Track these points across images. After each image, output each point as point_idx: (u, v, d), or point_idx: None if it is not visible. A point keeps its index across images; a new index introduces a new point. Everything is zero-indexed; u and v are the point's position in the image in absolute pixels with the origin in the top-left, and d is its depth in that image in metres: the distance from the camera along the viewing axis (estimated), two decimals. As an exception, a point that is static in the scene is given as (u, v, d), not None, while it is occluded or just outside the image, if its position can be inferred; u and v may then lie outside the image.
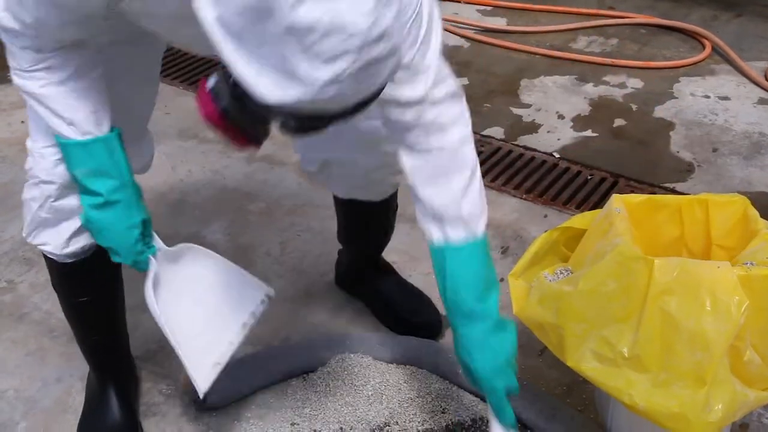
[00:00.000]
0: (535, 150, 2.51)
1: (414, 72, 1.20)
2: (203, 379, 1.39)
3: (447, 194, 1.28)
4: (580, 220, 1.56)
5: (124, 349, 1.61)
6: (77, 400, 1.66)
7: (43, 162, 1.33)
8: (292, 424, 1.59)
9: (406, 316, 1.80)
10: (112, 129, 1.31)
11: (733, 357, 1.28)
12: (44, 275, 2.00)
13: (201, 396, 1.40)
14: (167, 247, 1.41)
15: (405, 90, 1.21)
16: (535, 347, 1.76)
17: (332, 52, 0.87)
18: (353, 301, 1.91)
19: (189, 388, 1.48)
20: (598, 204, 2.24)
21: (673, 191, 2.29)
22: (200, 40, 1.07)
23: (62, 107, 1.26)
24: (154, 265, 1.38)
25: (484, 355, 1.30)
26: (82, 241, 1.39)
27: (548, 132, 2.61)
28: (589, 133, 2.60)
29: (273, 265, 2.03)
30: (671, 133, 2.59)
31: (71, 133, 1.27)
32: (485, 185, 2.31)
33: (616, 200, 1.47)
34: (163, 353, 1.76)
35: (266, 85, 0.90)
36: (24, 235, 1.43)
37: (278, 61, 0.88)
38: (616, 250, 1.32)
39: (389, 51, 0.91)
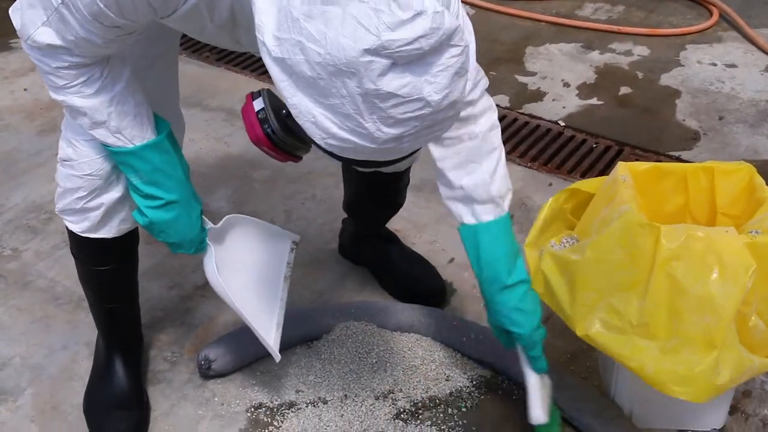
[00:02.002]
0: (540, 118, 2.50)
1: None
2: (275, 344, 1.48)
3: (477, 178, 1.34)
4: (587, 184, 1.55)
5: (136, 318, 1.62)
6: (83, 368, 1.67)
7: (87, 155, 1.33)
8: (297, 392, 1.60)
9: (411, 284, 1.80)
10: (160, 128, 1.32)
11: (739, 323, 1.28)
12: (49, 243, 2.01)
13: (277, 360, 1.48)
14: (215, 225, 1.43)
15: None
16: (539, 315, 1.76)
17: (403, 116, 0.94)
18: (357, 269, 1.91)
19: (194, 355, 1.48)
20: (604, 172, 2.23)
21: (679, 159, 2.28)
22: (235, 46, 1.12)
23: (105, 116, 1.26)
24: (211, 248, 1.41)
25: (526, 317, 1.37)
26: (114, 227, 1.41)
27: (553, 100, 2.59)
28: (594, 101, 2.59)
29: (277, 233, 2.03)
30: (677, 101, 2.58)
31: (119, 142, 1.28)
32: (490, 153, 2.32)
33: (621, 168, 1.46)
34: (169, 320, 1.77)
35: (327, 130, 0.96)
36: (57, 211, 1.42)
37: (346, 113, 0.94)
38: (623, 217, 1.32)
39: (453, 114, 0.99)
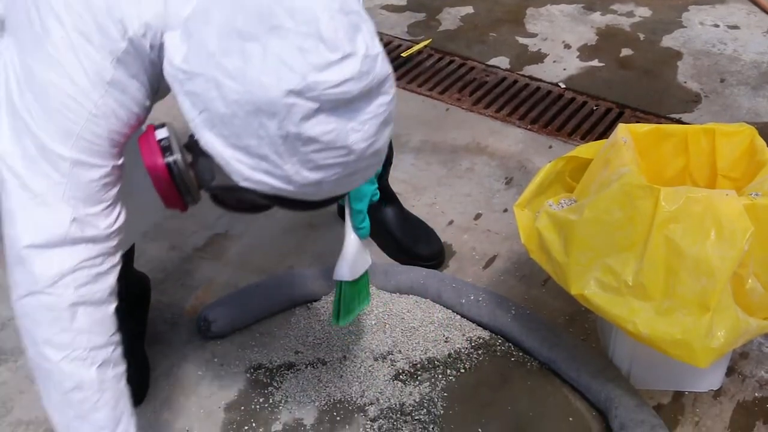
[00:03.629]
0: (540, 80, 2.48)
1: None
2: None
3: None
4: (586, 149, 1.54)
5: (133, 275, 1.62)
6: (83, 328, 1.67)
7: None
8: (296, 353, 1.60)
9: (409, 246, 1.80)
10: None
11: (736, 285, 1.29)
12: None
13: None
14: None
15: None
16: (538, 277, 1.76)
17: (324, 162, 0.90)
18: (357, 231, 1.91)
19: (193, 316, 1.49)
20: (604, 134, 2.22)
21: (680, 122, 2.26)
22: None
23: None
24: None
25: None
26: None
27: (554, 62, 2.57)
28: (595, 62, 2.57)
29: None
30: (679, 62, 2.56)
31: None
32: (490, 115, 2.32)
33: (622, 130, 1.45)
34: (169, 282, 1.77)
35: (242, 170, 0.92)
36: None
37: (262, 154, 0.90)
38: (622, 179, 1.31)
39: (376, 162, 0.96)
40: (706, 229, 1.25)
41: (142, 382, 1.55)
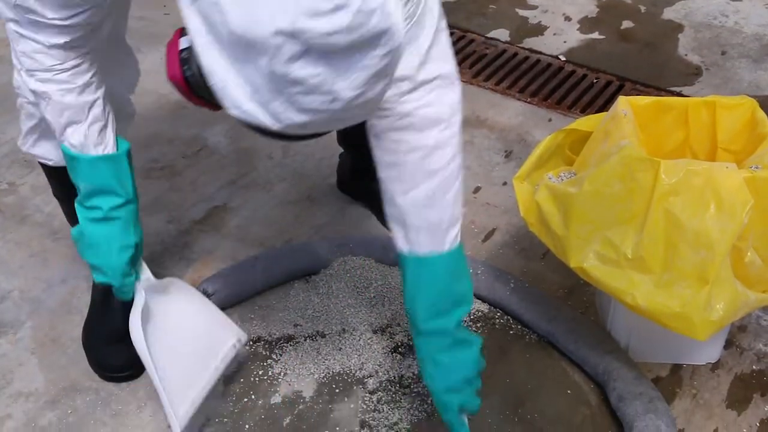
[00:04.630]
0: (540, 53, 2.47)
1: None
2: (180, 419, 1.35)
3: (411, 201, 1.19)
4: (586, 122, 1.54)
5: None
6: (82, 301, 1.67)
7: (28, 87, 1.31)
8: (295, 326, 1.61)
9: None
10: (119, 144, 1.32)
11: (735, 258, 1.29)
12: (45, 177, 2.00)
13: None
14: (154, 279, 1.41)
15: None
16: (537, 251, 1.76)
17: (310, 106, 0.88)
18: (355, 204, 1.91)
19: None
20: (603, 108, 2.21)
21: (680, 95, 2.26)
22: None
23: (77, 116, 1.26)
24: (142, 296, 1.38)
25: (437, 371, 1.25)
26: None
27: (554, 34, 2.56)
28: (595, 35, 2.56)
29: (275, 168, 2.02)
30: (680, 35, 2.54)
31: (79, 145, 1.27)
32: (490, 88, 2.30)
33: (622, 102, 1.45)
34: (167, 255, 1.77)
35: (235, 98, 0.90)
36: (19, 144, 1.43)
37: (255, 86, 0.88)
38: (622, 151, 1.31)
39: (366, 112, 0.93)
40: (705, 202, 1.25)
41: (141, 354, 1.55)
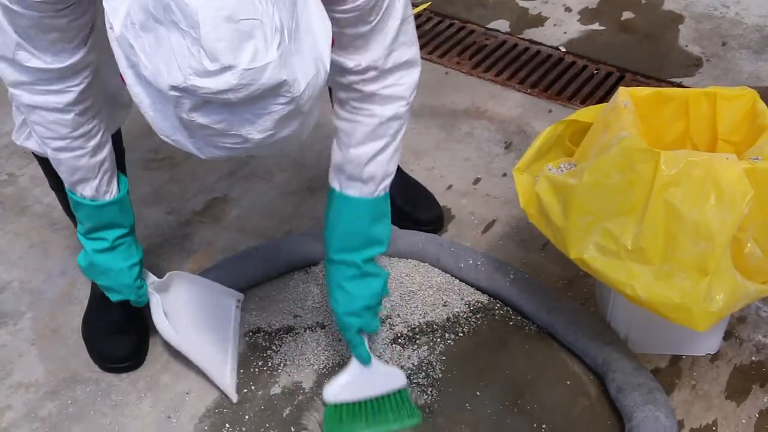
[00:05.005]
0: (540, 44, 2.46)
1: (368, 39, 1.18)
2: (233, 388, 1.48)
3: (355, 155, 1.29)
4: (586, 113, 1.53)
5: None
6: (82, 292, 1.67)
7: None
8: (295, 317, 1.61)
9: (409, 210, 1.80)
10: (120, 180, 1.38)
11: (735, 249, 1.28)
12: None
13: (234, 400, 1.47)
14: (157, 278, 1.48)
15: (354, 57, 1.19)
16: (537, 242, 1.76)
17: (224, 145, 0.92)
18: (355, 196, 1.90)
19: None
20: (604, 99, 2.20)
21: (680, 86, 2.25)
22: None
23: (88, 174, 1.31)
24: (156, 298, 1.45)
25: (341, 297, 1.35)
26: None
27: (554, 25, 2.55)
28: (596, 26, 2.55)
29: (275, 158, 2.02)
30: (680, 26, 2.54)
31: (89, 197, 1.34)
32: (490, 79, 2.30)
33: (622, 93, 1.44)
34: (167, 246, 1.77)
35: (164, 128, 0.95)
36: (13, 137, 1.45)
37: (175, 124, 0.93)
38: (622, 142, 1.31)
39: (284, 146, 0.96)
40: (705, 193, 1.25)
41: (140, 346, 1.56)
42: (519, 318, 1.61)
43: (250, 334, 1.58)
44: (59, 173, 1.34)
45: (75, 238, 1.79)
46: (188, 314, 1.51)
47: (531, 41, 2.48)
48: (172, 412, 1.47)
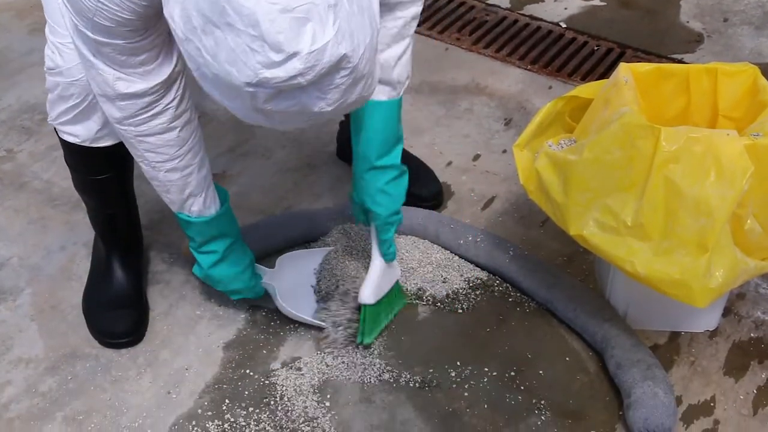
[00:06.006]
0: (541, 20, 2.45)
1: None
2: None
3: (384, 59, 1.35)
4: (586, 89, 1.53)
5: (134, 221, 1.62)
6: (81, 268, 1.67)
7: (76, 59, 1.29)
8: (295, 292, 1.61)
9: (408, 187, 1.79)
10: (219, 191, 1.43)
11: (735, 225, 1.28)
12: (44, 144, 1.99)
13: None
14: (267, 268, 1.55)
15: None
16: (536, 218, 1.76)
17: (296, 124, 1.01)
18: (355, 172, 1.90)
19: (190, 255, 1.49)
20: (604, 75, 2.20)
21: (681, 62, 2.24)
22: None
23: (197, 190, 1.37)
24: (272, 286, 1.52)
25: (388, 200, 1.45)
26: (114, 134, 1.38)
27: (555, 1, 2.54)
28: (597, 2, 2.54)
29: (274, 135, 2.02)
30: (681, 2, 2.52)
31: (198, 212, 1.39)
32: (490, 55, 2.29)
33: (623, 69, 1.44)
34: (166, 222, 1.77)
35: (236, 111, 1.00)
36: (50, 121, 1.42)
37: (248, 113, 0.99)
38: (623, 118, 1.30)
39: (356, 107, 1.02)
40: (706, 169, 1.25)
41: (140, 321, 1.56)
42: (518, 294, 1.61)
43: (250, 310, 1.58)
44: (168, 197, 1.38)
45: (75, 213, 1.79)
46: (299, 285, 1.58)
47: (531, 17, 2.46)
48: (172, 387, 1.47)
